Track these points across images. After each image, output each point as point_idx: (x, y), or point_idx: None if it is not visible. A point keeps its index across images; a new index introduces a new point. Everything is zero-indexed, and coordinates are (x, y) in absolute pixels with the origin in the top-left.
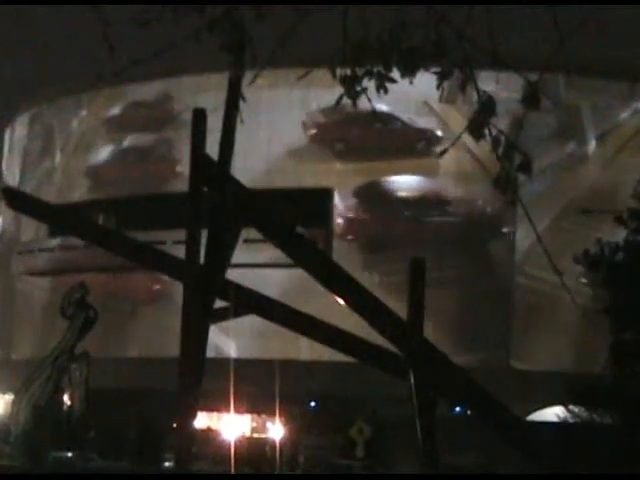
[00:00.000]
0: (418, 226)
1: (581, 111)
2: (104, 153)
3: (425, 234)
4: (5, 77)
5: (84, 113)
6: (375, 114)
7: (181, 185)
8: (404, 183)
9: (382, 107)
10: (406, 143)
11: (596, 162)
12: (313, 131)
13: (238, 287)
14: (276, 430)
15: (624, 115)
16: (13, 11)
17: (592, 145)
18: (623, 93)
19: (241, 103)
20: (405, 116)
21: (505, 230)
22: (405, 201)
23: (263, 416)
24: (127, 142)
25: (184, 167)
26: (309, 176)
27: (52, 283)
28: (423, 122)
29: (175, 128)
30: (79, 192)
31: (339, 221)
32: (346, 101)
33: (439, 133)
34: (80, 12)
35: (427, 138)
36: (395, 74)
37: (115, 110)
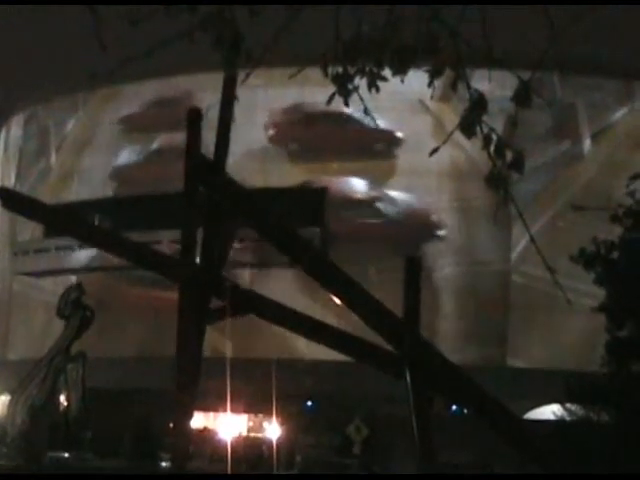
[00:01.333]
0: (350, 226)
1: (576, 109)
2: (131, 154)
3: (359, 234)
4: (0, 77)
5: (80, 113)
6: (331, 115)
7: None
8: (339, 184)
9: (350, 108)
10: (364, 144)
11: (591, 160)
12: (271, 131)
13: (235, 286)
14: (273, 429)
15: (619, 113)
16: (8, 11)
17: (587, 143)
18: (618, 91)
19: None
20: (364, 117)
21: (440, 233)
22: (339, 202)
23: (260, 415)
24: (158, 142)
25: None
26: (259, 176)
27: (48, 283)
28: (383, 123)
29: (206, 126)
30: (103, 194)
31: None
32: (305, 101)
33: (399, 135)
34: (75, 11)
35: (386, 140)
36: (387, 72)
37: (131, 109)
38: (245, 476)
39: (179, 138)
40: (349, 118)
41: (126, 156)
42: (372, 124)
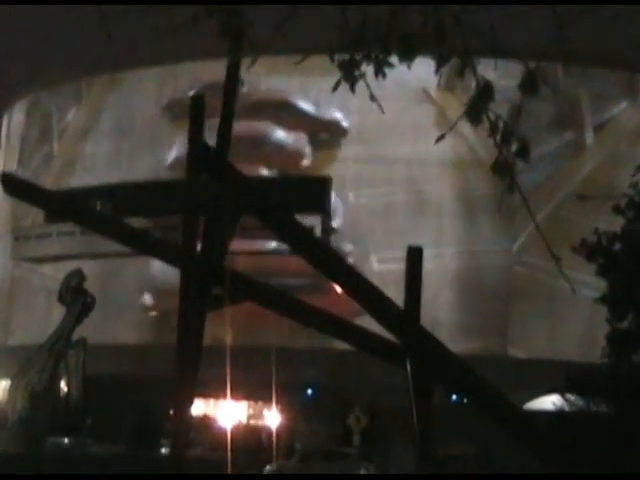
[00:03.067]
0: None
1: (580, 100)
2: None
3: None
4: (3, 63)
5: (83, 100)
6: (275, 104)
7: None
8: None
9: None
10: (308, 134)
11: (594, 151)
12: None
13: (235, 274)
14: (273, 417)
15: (623, 105)
16: None
17: (590, 134)
18: (622, 83)
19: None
20: (308, 106)
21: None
22: None
23: (260, 404)
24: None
25: (398, 163)
26: None
27: (49, 269)
28: (328, 113)
29: (273, 115)
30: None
31: None
32: (249, 89)
33: (345, 124)
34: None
35: (330, 129)
36: (394, 59)
37: (176, 94)
38: (245, 476)
39: (244, 127)
40: (294, 107)
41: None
42: (317, 114)
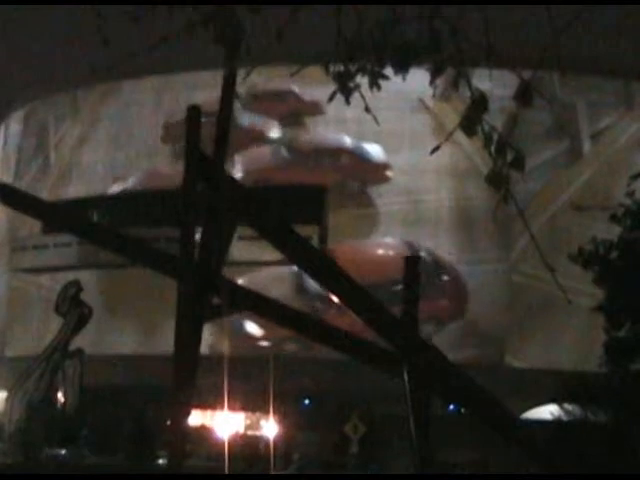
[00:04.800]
0: None
1: (576, 109)
2: (263, 155)
3: None
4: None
5: (79, 110)
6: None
7: (397, 196)
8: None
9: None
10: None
11: (591, 160)
12: (162, 132)
13: (232, 284)
14: (270, 427)
15: (619, 113)
16: (8, 7)
17: (587, 142)
18: (618, 91)
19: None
20: (247, 119)
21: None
22: None
23: (257, 413)
24: (297, 143)
25: (395, 172)
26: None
27: (47, 280)
28: (265, 125)
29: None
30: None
31: None
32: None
33: (273, 136)
34: (75, 7)
35: (262, 140)
36: (389, 71)
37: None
38: (244, 476)
39: (318, 138)
40: (235, 121)
41: (259, 158)
42: (250, 126)
